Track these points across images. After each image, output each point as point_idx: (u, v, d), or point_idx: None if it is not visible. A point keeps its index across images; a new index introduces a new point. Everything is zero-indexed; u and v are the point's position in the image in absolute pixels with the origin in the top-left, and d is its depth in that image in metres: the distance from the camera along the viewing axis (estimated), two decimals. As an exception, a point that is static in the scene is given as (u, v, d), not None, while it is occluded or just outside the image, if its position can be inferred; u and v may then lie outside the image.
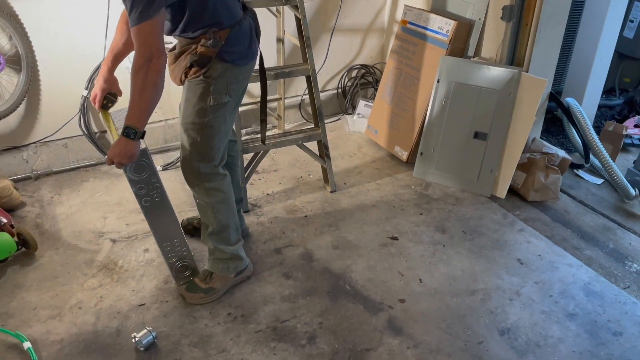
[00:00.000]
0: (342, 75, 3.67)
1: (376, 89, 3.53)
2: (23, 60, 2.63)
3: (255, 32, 1.92)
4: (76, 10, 2.69)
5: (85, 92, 2.84)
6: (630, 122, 3.27)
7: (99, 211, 2.67)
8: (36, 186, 2.86)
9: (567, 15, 2.68)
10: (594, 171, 2.97)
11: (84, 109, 2.87)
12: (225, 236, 2.10)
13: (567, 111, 2.92)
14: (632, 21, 3.41)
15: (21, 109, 2.75)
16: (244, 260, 2.18)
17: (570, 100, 2.94)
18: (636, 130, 3.20)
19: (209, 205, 2.02)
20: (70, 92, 2.85)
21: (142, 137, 1.74)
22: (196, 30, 1.76)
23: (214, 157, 1.95)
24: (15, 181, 2.82)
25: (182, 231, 2.13)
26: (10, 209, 2.60)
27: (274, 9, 3.04)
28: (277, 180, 2.97)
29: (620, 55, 3.48)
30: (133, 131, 1.68)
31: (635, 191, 2.71)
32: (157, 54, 1.60)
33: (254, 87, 3.36)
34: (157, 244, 2.05)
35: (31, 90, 2.75)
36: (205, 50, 1.76)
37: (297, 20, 2.65)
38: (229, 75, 1.84)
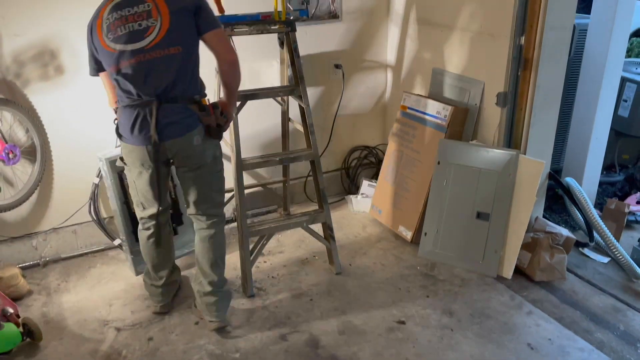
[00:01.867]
0: (346, 157, 3.76)
1: (379, 170, 3.61)
2: (38, 152, 2.74)
3: (156, 123, 2.04)
4: (90, 103, 2.84)
5: (96, 180, 2.92)
6: (632, 199, 3.30)
7: (104, 298, 2.68)
8: (44, 273, 2.89)
9: (559, 99, 2.78)
10: (599, 249, 2.97)
11: (95, 196, 2.95)
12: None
13: (568, 191, 2.96)
14: (625, 100, 3.52)
15: (33, 197, 2.83)
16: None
17: (569, 180, 2.99)
18: (639, 207, 3.22)
19: None
20: (81, 179, 2.94)
21: None
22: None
23: (136, 207, 2.36)
24: (24, 268, 2.85)
25: None
26: (17, 298, 2.61)
27: (279, 97, 3.17)
28: (282, 262, 2.98)
29: (617, 133, 3.56)
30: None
31: (642, 270, 2.69)
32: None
33: (258, 170, 3.46)
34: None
35: (44, 179, 2.84)
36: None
37: (301, 108, 2.78)
38: (122, 144, 2.20)
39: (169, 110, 2.06)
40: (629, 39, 4.47)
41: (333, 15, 3.36)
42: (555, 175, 2.99)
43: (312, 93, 3.42)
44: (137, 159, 2.16)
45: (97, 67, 2.19)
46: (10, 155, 2.61)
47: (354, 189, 3.75)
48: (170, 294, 2.56)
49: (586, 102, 3.22)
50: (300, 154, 2.85)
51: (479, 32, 2.85)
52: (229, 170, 2.95)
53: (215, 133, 2.20)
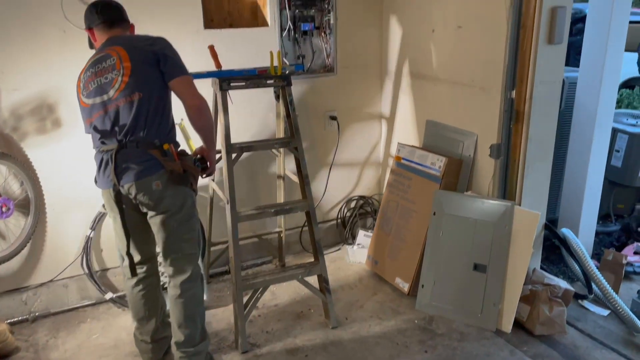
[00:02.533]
0: (341, 206, 3.76)
1: (375, 219, 3.60)
2: (32, 205, 2.73)
3: (115, 167, 2.10)
4: (85, 156, 2.83)
5: (89, 232, 2.90)
6: (629, 250, 3.28)
7: (94, 355, 2.60)
8: (33, 329, 2.82)
9: (552, 151, 2.81)
10: (599, 301, 2.93)
11: (87, 249, 2.91)
12: None
13: (564, 242, 2.95)
14: (618, 151, 3.56)
15: (25, 250, 2.80)
16: None
17: (565, 231, 2.98)
18: (636, 257, 3.20)
19: None
20: (75, 233, 2.92)
21: None
22: None
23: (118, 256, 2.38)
24: (12, 324, 2.78)
25: None
26: (4, 355, 2.54)
27: (274, 149, 3.20)
28: (276, 316, 2.92)
29: (611, 183, 3.58)
30: None
31: (643, 323, 2.65)
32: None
33: (248, 222, 3.44)
34: None
35: (36, 233, 2.81)
36: None
37: (297, 160, 2.80)
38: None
39: (127, 154, 2.11)
40: (619, 90, 4.58)
41: (328, 69, 3.43)
42: (551, 226, 2.98)
43: (308, 144, 3.45)
44: (107, 202, 2.24)
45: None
46: (4, 209, 2.60)
47: (350, 239, 3.73)
48: (160, 350, 2.49)
49: (579, 153, 3.25)
50: (295, 206, 2.85)
51: (470, 85, 2.90)
52: (223, 222, 2.94)
53: (180, 179, 2.17)
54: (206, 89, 2.80)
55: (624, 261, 2.99)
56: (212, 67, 2.77)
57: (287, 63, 3.21)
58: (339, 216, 3.77)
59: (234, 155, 2.66)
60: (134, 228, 2.25)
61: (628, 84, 6.10)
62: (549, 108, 2.72)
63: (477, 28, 2.81)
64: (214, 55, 2.72)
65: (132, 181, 2.12)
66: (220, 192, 2.97)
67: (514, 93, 2.70)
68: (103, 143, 2.16)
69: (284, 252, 3.49)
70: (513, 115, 2.72)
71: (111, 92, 2.11)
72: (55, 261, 2.91)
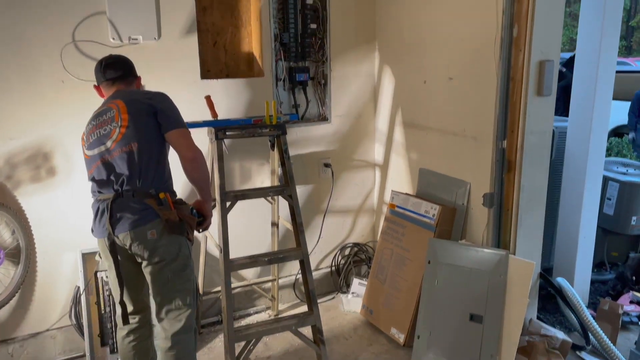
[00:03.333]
0: (336, 254, 3.74)
1: (369, 267, 3.57)
2: (22, 254, 2.69)
3: (110, 216, 2.11)
4: (79, 206, 2.83)
5: (79, 282, 2.86)
6: (625, 299, 3.26)
7: (79, 410, 2.51)
8: (17, 382, 2.73)
9: (544, 200, 2.83)
10: (596, 352, 2.88)
11: (76, 300, 2.86)
12: None
13: (560, 292, 2.93)
14: (609, 199, 3.60)
15: (13, 300, 2.74)
16: None
17: (561, 281, 2.97)
18: (632, 307, 3.18)
19: None
20: (64, 282, 2.87)
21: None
22: None
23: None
24: (-4, 377, 2.70)
25: None
26: (-15, 411, 2.45)
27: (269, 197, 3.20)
28: (270, 368, 2.85)
29: (604, 231, 3.60)
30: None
31: (643, 375, 2.60)
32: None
33: (241, 270, 3.41)
34: None
35: (26, 282, 2.77)
36: None
37: (291, 207, 2.80)
38: None
39: (123, 204, 2.12)
40: (608, 137, 4.65)
41: (322, 118, 3.49)
42: (546, 275, 2.97)
43: (302, 191, 3.46)
44: (102, 251, 2.24)
45: None
46: (-6, 258, 2.56)
47: (345, 287, 3.69)
48: None
49: (571, 202, 3.28)
50: (289, 254, 2.84)
51: (462, 135, 2.95)
52: (214, 270, 2.91)
53: (175, 228, 2.15)
54: (202, 138, 2.85)
55: (621, 311, 2.97)
56: (208, 117, 2.81)
57: (282, 112, 3.28)
58: (333, 264, 3.74)
59: (228, 204, 2.66)
60: (128, 278, 2.23)
61: (616, 132, 6.23)
62: (540, 157, 2.75)
63: (468, 80, 2.88)
64: (210, 105, 2.77)
65: (126, 230, 2.11)
66: (213, 239, 2.95)
67: (505, 143, 2.74)
68: (100, 192, 2.18)
69: (278, 300, 3.44)
70: (505, 165, 2.76)
71: (109, 143, 2.15)
72: (43, 312, 2.85)
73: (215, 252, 3.25)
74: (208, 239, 3.03)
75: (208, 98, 2.77)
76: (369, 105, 3.64)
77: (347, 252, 3.77)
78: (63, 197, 2.80)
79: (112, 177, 2.14)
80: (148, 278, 2.20)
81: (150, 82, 2.82)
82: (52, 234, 2.81)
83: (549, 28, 2.60)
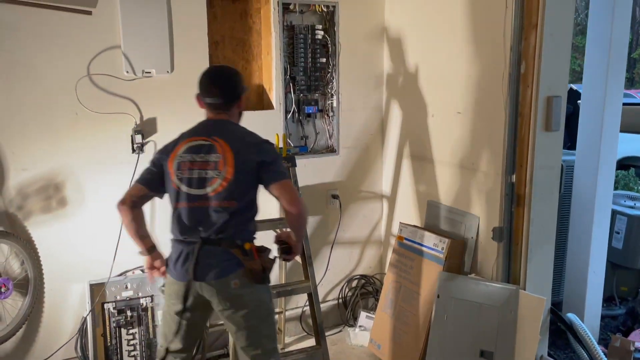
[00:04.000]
0: (343, 286, 3.71)
1: (377, 299, 3.54)
2: (31, 285, 2.69)
3: (196, 262, 2.09)
4: (89, 237, 2.85)
5: (85, 313, 2.84)
6: (636, 335, 3.22)
7: None
8: (20, 416, 2.69)
9: (554, 235, 2.82)
10: (610, 390, 2.83)
11: (82, 331, 2.84)
12: None
13: (571, 328, 2.90)
14: (618, 233, 3.58)
15: (20, 331, 2.72)
16: None
17: (571, 317, 2.94)
18: (644, 343, 3.13)
19: None
20: (71, 313, 2.86)
21: None
22: None
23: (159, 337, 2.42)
24: (0, 411, 2.66)
25: None
26: None
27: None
28: (277, 404, 2.80)
29: (614, 265, 3.57)
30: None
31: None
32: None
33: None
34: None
35: (33, 313, 2.75)
36: None
37: (299, 240, 2.79)
38: (168, 275, 2.21)
39: (209, 252, 2.10)
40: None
41: (330, 150, 3.52)
42: (556, 310, 2.95)
43: (310, 222, 3.46)
44: (174, 292, 2.17)
45: (144, 179, 2.20)
46: (3, 289, 2.56)
47: (352, 320, 3.65)
48: None
49: (580, 236, 3.27)
50: (297, 287, 2.83)
51: (471, 168, 2.97)
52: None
53: (259, 278, 2.15)
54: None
55: (632, 347, 2.92)
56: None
57: (292, 144, 3.31)
58: (340, 296, 3.71)
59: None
60: (190, 323, 2.21)
61: (622, 164, 6.23)
62: (549, 192, 2.76)
63: (477, 114, 2.91)
64: (221, 138, 2.79)
65: (210, 279, 2.09)
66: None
67: (514, 177, 2.75)
68: (184, 234, 2.13)
69: (284, 333, 3.41)
70: (514, 199, 2.76)
71: (208, 189, 2.09)
72: (49, 343, 2.83)
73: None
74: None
75: (219, 131, 2.80)
76: (377, 137, 3.67)
77: (354, 284, 3.75)
78: (73, 227, 2.81)
79: (202, 224, 2.10)
80: (232, 326, 2.18)
81: (164, 113, 2.87)
82: (61, 264, 2.81)
83: (556, 64, 2.63)
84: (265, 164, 2.12)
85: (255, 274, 2.13)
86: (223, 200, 2.08)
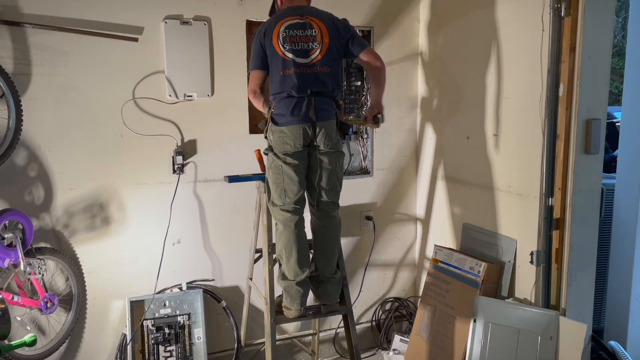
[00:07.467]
0: (376, 308, 3.69)
1: (411, 323, 3.51)
2: (74, 301, 2.77)
3: (315, 107, 2.52)
4: (131, 254, 2.93)
5: (125, 330, 2.90)
6: (684, 365, 3.09)
7: None
8: None
9: (595, 260, 2.76)
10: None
11: (122, 347, 2.90)
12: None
13: (614, 356, 2.81)
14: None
15: (62, 347, 2.80)
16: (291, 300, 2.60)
17: (614, 344, 2.85)
18: (693, 374, 3.01)
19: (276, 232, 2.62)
20: (111, 330, 2.93)
21: None
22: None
23: (277, 198, 2.58)
24: None
25: None
26: None
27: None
28: None
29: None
30: None
31: None
32: None
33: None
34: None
35: (75, 328, 2.83)
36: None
37: (335, 261, 2.81)
38: (274, 130, 2.56)
39: (320, 101, 2.54)
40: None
41: (364, 171, 3.54)
42: (598, 338, 2.86)
43: (344, 244, 3.47)
44: (289, 139, 2.51)
45: (260, 64, 2.59)
46: (49, 304, 2.64)
47: (385, 343, 3.62)
48: (307, 294, 2.66)
49: (622, 261, 3.18)
50: (334, 309, 2.82)
51: (507, 191, 2.94)
52: (255, 322, 2.90)
53: (346, 128, 2.69)
54: (251, 190, 2.93)
55: (680, 378, 2.81)
56: (256, 170, 2.90)
57: (327, 166, 3.35)
58: (374, 318, 3.69)
59: (274, 256, 2.70)
60: (299, 167, 2.55)
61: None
62: (589, 216, 2.70)
63: (513, 136, 2.90)
64: (260, 159, 2.85)
65: (325, 119, 2.52)
66: (257, 290, 2.97)
67: (552, 200, 2.71)
68: (299, 92, 2.49)
69: (317, 355, 3.40)
70: (553, 223, 2.72)
71: (308, 59, 2.52)
72: (90, 358, 2.90)
73: (258, 303, 3.27)
74: (252, 290, 3.05)
75: (257, 152, 2.86)
76: (411, 159, 3.68)
77: (387, 306, 3.72)
78: (115, 245, 2.90)
79: (305, 85, 2.49)
80: (324, 165, 2.57)
81: (204, 135, 2.95)
82: (103, 281, 2.89)
83: (595, 87, 2.61)
84: (353, 38, 2.61)
85: (343, 125, 2.66)
86: (319, 67, 2.53)
